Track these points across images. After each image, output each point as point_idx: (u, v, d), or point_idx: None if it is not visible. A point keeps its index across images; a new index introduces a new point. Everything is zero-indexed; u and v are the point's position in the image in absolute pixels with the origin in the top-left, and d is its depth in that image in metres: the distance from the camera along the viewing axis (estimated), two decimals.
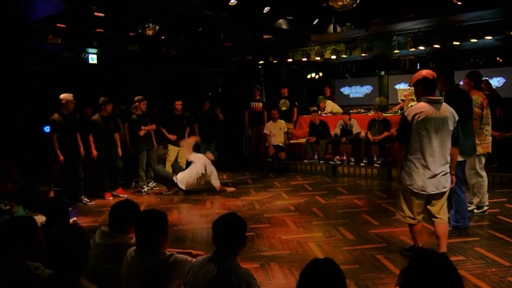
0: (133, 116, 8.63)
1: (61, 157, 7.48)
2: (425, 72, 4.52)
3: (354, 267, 4.48)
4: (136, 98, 8.66)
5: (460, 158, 5.07)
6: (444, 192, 4.44)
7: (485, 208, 6.21)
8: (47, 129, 9.02)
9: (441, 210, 4.50)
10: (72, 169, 7.70)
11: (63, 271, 2.38)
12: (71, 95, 7.56)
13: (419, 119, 4.27)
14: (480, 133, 6.02)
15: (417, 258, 2.02)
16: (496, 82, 11.75)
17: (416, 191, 4.38)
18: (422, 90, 4.45)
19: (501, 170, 8.15)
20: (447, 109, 4.36)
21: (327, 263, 2.10)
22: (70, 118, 7.65)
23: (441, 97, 4.70)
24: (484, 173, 6.15)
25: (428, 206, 4.50)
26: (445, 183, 4.38)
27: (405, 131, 4.37)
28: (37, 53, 8.85)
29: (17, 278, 2.55)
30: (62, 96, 7.53)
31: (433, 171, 4.31)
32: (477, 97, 5.99)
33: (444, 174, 4.36)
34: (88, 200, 7.94)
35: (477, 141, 5.93)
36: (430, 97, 4.38)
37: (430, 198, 4.46)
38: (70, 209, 7.32)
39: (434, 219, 4.54)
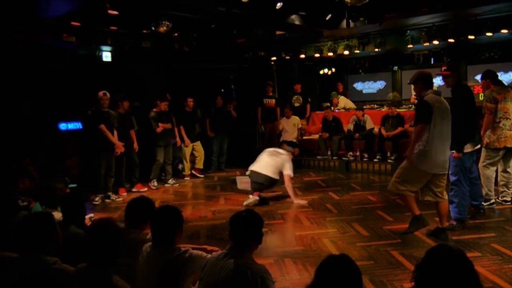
0: (151, 113, 8.79)
1: (119, 143, 7.69)
2: (424, 70, 5.20)
3: (368, 263, 4.47)
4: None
5: (470, 149, 5.44)
6: (446, 173, 5.02)
7: (492, 200, 6.25)
8: (62, 126, 9.15)
9: (444, 191, 5.02)
10: (104, 164, 7.70)
11: (96, 266, 2.48)
12: (103, 92, 7.65)
13: (436, 107, 4.76)
14: (497, 127, 6.02)
15: (433, 253, 2.00)
16: None
17: (426, 171, 4.84)
18: (423, 85, 4.97)
19: None
20: (444, 100, 4.98)
21: (343, 259, 2.09)
22: (106, 114, 7.70)
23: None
24: (493, 168, 6.23)
25: (433, 187, 4.94)
26: (447, 164, 4.98)
27: (429, 113, 4.76)
28: (52, 51, 8.94)
29: (35, 272, 2.59)
30: (99, 93, 7.65)
31: (443, 154, 4.85)
32: (491, 92, 6.06)
33: (446, 157, 4.93)
34: (116, 197, 8.00)
35: (493, 135, 6.03)
36: (434, 90, 5.02)
37: (435, 179, 4.92)
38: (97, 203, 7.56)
39: (439, 200, 5.00)
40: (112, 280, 2.46)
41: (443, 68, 5.86)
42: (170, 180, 9.08)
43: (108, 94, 7.68)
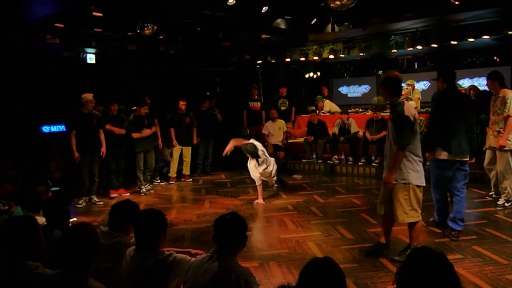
0: (130, 117, 8.62)
1: (76, 154, 7.43)
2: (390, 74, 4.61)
3: (353, 266, 4.49)
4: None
5: (444, 157, 5.11)
6: None
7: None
8: (45, 129, 9.04)
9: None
10: (86, 167, 7.64)
11: (71, 270, 2.43)
12: (91, 95, 7.55)
13: (416, 117, 4.37)
14: None
15: (414, 256, 2.02)
16: None
17: (422, 185, 4.46)
18: (391, 90, 4.49)
19: None
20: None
21: (326, 262, 2.11)
22: (88, 117, 7.59)
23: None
24: None
25: None
26: None
27: (411, 131, 4.28)
28: (36, 53, 8.84)
29: (17, 277, 2.55)
30: (83, 95, 7.53)
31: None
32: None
33: None
34: (97, 200, 7.91)
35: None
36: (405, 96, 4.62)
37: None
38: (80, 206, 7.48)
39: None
40: (88, 283, 2.43)
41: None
42: (147, 186, 8.78)
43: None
